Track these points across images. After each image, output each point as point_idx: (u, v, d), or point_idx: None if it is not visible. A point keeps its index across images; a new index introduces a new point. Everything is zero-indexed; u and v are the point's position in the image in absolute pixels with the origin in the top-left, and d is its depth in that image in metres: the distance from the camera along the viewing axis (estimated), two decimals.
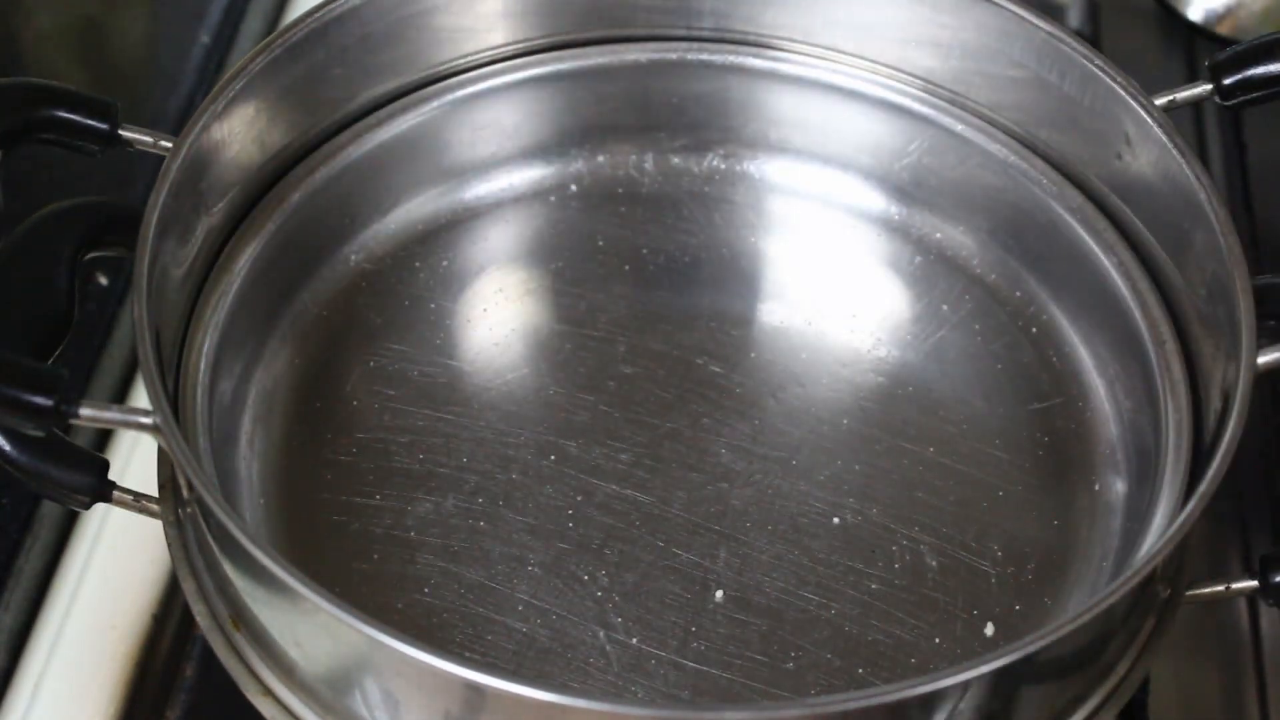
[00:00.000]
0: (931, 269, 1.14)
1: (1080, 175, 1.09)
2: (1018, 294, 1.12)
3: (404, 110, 1.11)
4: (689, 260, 1.14)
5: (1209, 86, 1.03)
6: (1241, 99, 1.03)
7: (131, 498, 0.94)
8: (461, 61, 1.13)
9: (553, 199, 1.16)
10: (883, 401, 1.08)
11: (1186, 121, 1.34)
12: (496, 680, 0.79)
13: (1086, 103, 1.05)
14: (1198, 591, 0.95)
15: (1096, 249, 1.08)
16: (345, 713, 0.87)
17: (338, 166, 1.09)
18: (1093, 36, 1.39)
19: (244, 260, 1.04)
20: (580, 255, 1.14)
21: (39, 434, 0.88)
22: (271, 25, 1.44)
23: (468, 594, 0.98)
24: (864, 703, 0.81)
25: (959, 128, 1.13)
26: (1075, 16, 1.40)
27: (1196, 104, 1.06)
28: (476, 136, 1.14)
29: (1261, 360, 0.92)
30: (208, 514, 0.88)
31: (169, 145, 0.98)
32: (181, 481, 0.92)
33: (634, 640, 0.96)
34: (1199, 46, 1.40)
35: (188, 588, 0.93)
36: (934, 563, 1.00)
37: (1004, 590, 0.99)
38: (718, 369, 1.08)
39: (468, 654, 0.95)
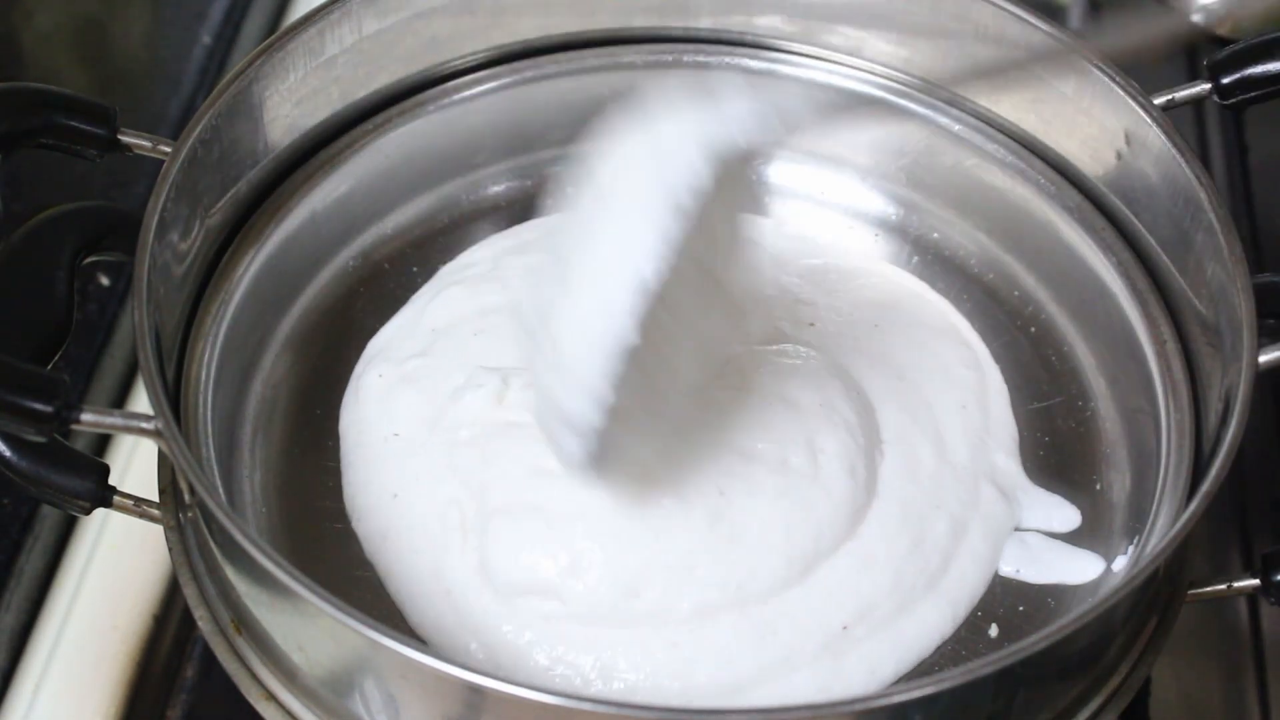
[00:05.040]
0: (930, 268, 1.14)
1: (1079, 175, 1.09)
2: (1016, 293, 1.12)
3: (401, 114, 1.11)
4: None
5: (1207, 86, 1.04)
6: (1240, 98, 1.04)
7: (132, 503, 0.94)
8: (459, 64, 1.13)
9: (550, 201, 1.16)
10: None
11: (1187, 121, 1.34)
12: (498, 683, 0.79)
13: (1086, 103, 1.05)
14: (1200, 590, 0.95)
15: (1095, 248, 1.08)
16: (347, 716, 0.87)
17: (335, 172, 1.09)
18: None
19: (243, 267, 1.04)
20: None
21: (39, 439, 0.88)
22: (272, 26, 1.44)
23: None
24: (869, 704, 0.82)
25: (957, 127, 1.13)
26: (1075, 16, 1.40)
27: (1197, 104, 1.06)
28: (474, 139, 1.14)
29: (1262, 359, 0.92)
30: (210, 518, 0.88)
31: (168, 149, 0.98)
32: (183, 486, 0.92)
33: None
34: (1199, 47, 1.40)
35: (189, 592, 0.93)
36: None
37: (1007, 591, 0.99)
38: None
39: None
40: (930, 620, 0.96)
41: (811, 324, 1.07)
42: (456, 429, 0.99)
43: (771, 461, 0.97)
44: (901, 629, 0.95)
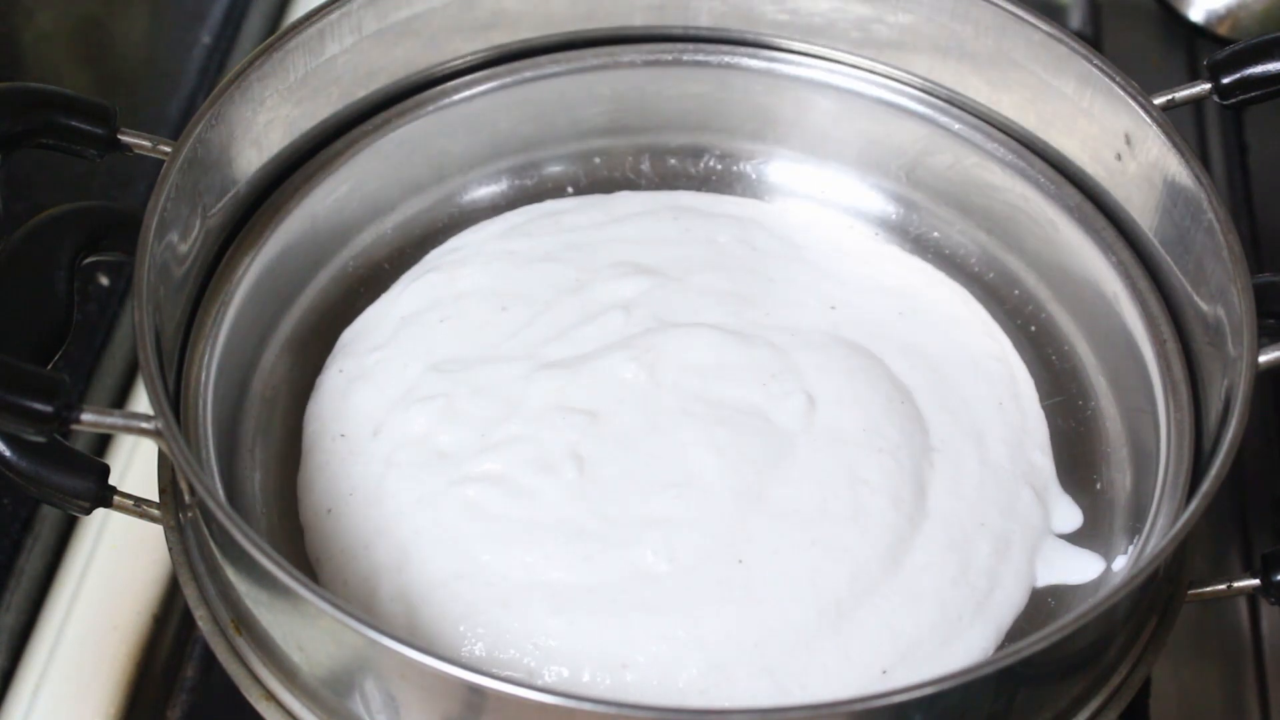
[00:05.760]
0: None
1: (1079, 174, 1.09)
2: (1016, 293, 1.12)
3: (401, 114, 1.11)
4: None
5: (1207, 86, 1.04)
6: (1240, 98, 1.04)
7: (132, 503, 0.94)
8: (458, 63, 1.13)
9: (549, 201, 1.16)
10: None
11: (1187, 121, 1.34)
12: (498, 683, 0.79)
13: (1086, 103, 1.05)
14: (1200, 590, 0.95)
15: (1095, 248, 1.08)
16: (347, 716, 0.87)
17: (335, 172, 1.09)
18: (1093, 36, 1.39)
19: (243, 268, 1.03)
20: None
21: (39, 439, 0.88)
22: (272, 26, 1.44)
23: None
24: (869, 704, 0.82)
25: (957, 127, 1.13)
26: (1075, 16, 1.40)
27: (1197, 104, 1.06)
28: (473, 139, 1.14)
29: (1262, 359, 0.92)
30: (210, 519, 0.88)
31: (168, 149, 0.98)
32: (183, 486, 0.92)
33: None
34: (1200, 47, 1.40)
35: (189, 592, 0.93)
36: None
37: None
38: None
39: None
40: (975, 648, 0.94)
41: (832, 307, 1.07)
42: (396, 447, 0.99)
43: (807, 513, 0.95)
44: (945, 663, 0.92)
